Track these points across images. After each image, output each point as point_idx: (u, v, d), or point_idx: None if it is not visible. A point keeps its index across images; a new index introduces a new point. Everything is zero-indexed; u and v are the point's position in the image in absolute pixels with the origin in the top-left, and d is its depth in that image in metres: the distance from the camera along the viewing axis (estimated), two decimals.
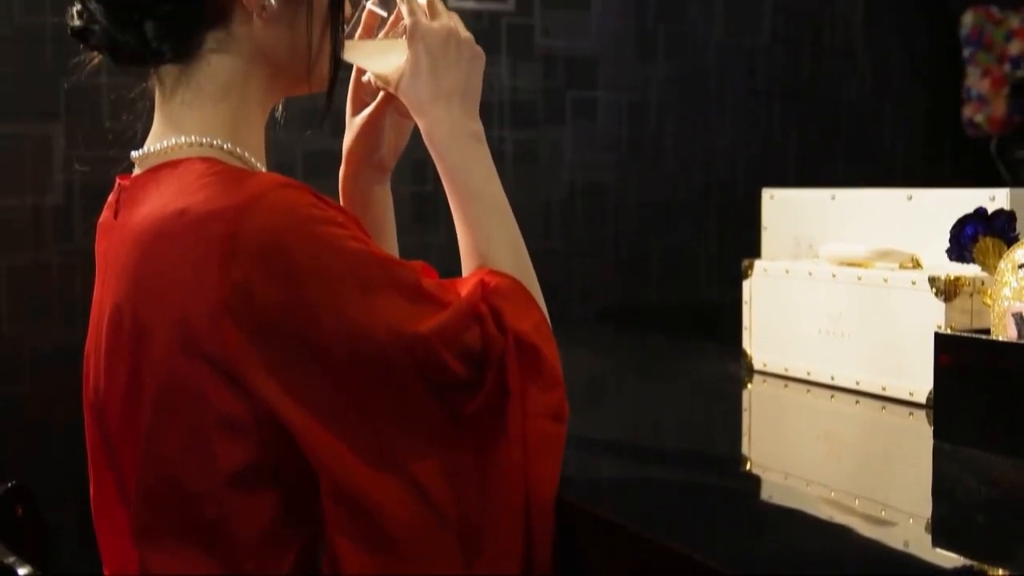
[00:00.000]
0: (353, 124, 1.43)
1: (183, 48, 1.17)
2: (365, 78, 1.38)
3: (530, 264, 1.29)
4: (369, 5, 1.32)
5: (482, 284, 1.18)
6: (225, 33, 1.18)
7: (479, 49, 1.30)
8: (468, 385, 1.13)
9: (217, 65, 1.19)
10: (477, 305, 1.15)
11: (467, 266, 1.27)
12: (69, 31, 1.19)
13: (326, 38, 1.24)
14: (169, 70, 1.19)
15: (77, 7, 1.18)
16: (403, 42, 1.29)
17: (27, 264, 2.57)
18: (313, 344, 1.07)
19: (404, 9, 1.29)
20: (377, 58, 1.33)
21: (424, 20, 1.28)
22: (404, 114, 1.36)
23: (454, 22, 1.30)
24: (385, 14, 1.33)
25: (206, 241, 1.06)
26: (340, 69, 1.27)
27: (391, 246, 1.49)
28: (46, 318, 2.57)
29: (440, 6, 1.31)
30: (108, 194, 1.26)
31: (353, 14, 1.30)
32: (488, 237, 1.26)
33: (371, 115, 1.41)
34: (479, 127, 1.30)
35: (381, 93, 1.39)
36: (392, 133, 1.43)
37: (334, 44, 1.24)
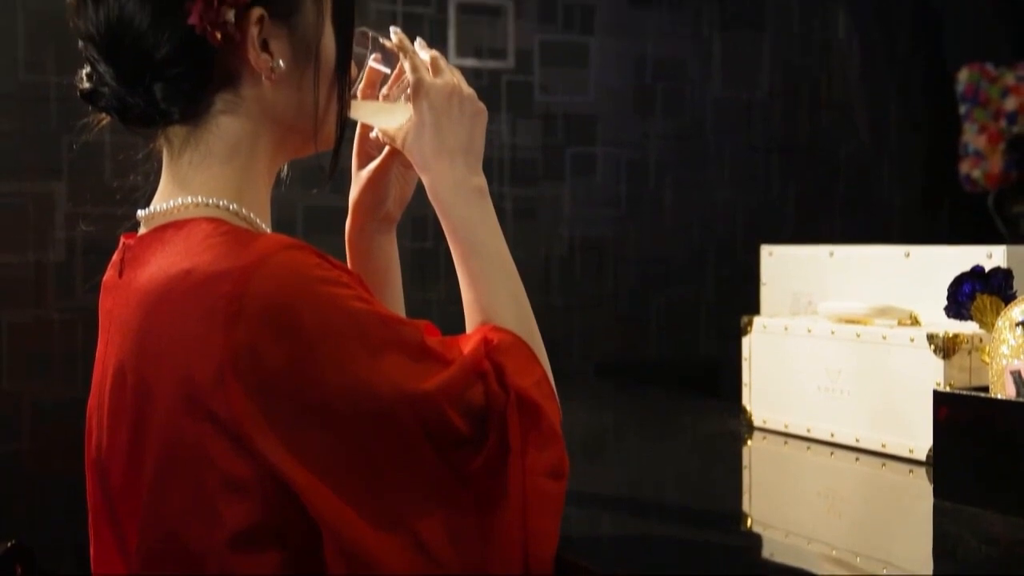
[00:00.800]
0: (359, 178, 1.44)
1: (192, 109, 1.19)
2: (373, 134, 1.40)
3: (533, 318, 1.29)
4: (371, 62, 1.33)
5: (485, 341, 1.19)
6: (234, 95, 1.19)
7: (482, 105, 1.32)
8: (472, 442, 1.14)
9: (226, 126, 1.20)
10: (480, 362, 1.16)
11: (470, 320, 1.28)
12: (78, 93, 1.20)
13: (333, 98, 1.25)
14: (177, 131, 1.20)
15: (86, 69, 1.19)
16: (407, 100, 1.30)
17: (28, 320, 2.57)
18: (317, 404, 1.07)
19: (407, 66, 1.30)
20: (382, 116, 1.35)
21: (427, 77, 1.30)
22: (409, 166, 1.37)
23: (457, 78, 1.31)
24: (388, 71, 1.34)
25: (212, 301, 1.07)
26: (346, 129, 1.28)
27: (397, 296, 1.50)
28: (47, 374, 2.58)
29: (443, 63, 1.32)
30: (109, 251, 1.27)
31: (358, 73, 1.32)
32: (491, 292, 1.27)
33: (377, 168, 1.42)
34: (483, 182, 1.31)
35: (387, 147, 1.40)
36: (398, 185, 1.45)
37: (341, 104, 1.26)
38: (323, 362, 1.07)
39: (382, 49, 1.34)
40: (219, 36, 1.14)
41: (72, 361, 2.58)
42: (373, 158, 1.43)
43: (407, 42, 1.32)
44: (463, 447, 1.13)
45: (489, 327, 1.24)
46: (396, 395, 1.09)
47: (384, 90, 1.35)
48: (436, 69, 1.31)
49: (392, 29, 1.33)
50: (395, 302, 1.49)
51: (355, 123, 1.41)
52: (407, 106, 1.30)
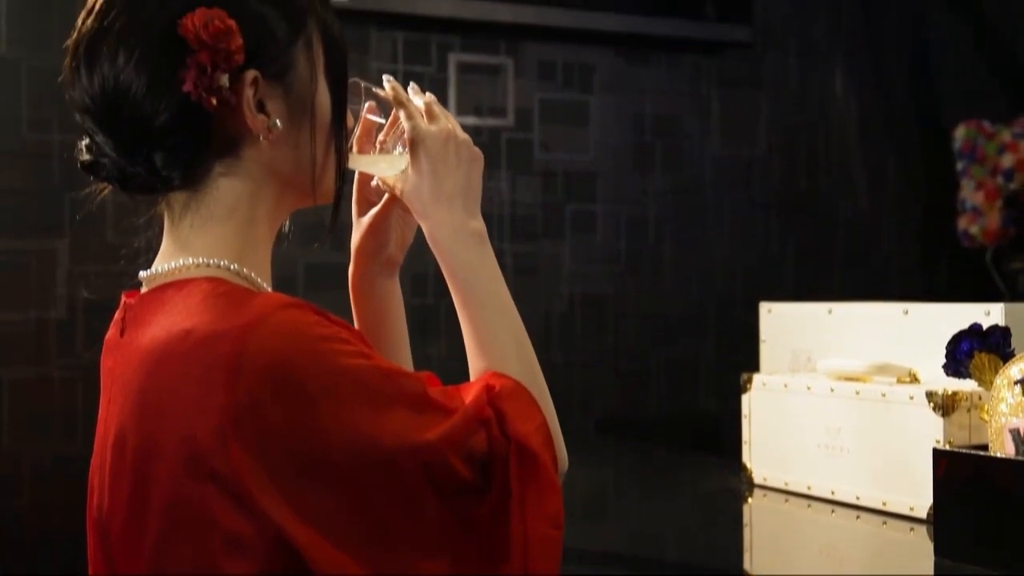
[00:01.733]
0: (360, 224, 1.44)
1: (192, 175, 1.19)
2: (373, 183, 1.40)
3: (535, 362, 1.30)
4: (365, 113, 1.34)
5: (487, 388, 1.20)
6: (233, 157, 1.20)
7: (477, 150, 1.33)
8: (475, 489, 1.14)
9: (226, 189, 1.20)
10: (483, 409, 1.16)
11: (473, 365, 1.28)
12: (79, 165, 1.21)
13: (330, 152, 1.26)
14: (178, 196, 1.21)
15: (85, 141, 1.20)
16: (404, 148, 1.31)
17: (29, 377, 2.58)
18: (320, 460, 1.07)
19: (402, 114, 1.31)
20: (380, 165, 1.36)
21: (423, 124, 1.30)
22: (409, 211, 1.38)
23: (452, 124, 1.32)
24: (383, 120, 1.35)
25: (212, 360, 1.07)
26: (346, 181, 1.29)
27: (403, 339, 1.49)
28: (46, 431, 2.58)
29: (437, 108, 1.33)
30: (111, 309, 1.27)
31: (354, 124, 1.33)
32: (493, 336, 1.28)
33: (378, 214, 1.43)
34: (482, 226, 1.32)
35: (386, 193, 1.41)
36: (399, 229, 1.45)
37: (339, 157, 1.26)
38: (325, 419, 1.07)
39: (376, 98, 1.35)
40: (215, 102, 1.14)
41: (72, 419, 2.58)
42: (373, 204, 1.44)
43: (400, 90, 1.33)
44: (466, 494, 1.14)
45: (491, 373, 1.24)
46: (399, 447, 1.09)
47: (380, 136, 1.36)
48: (431, 115, 1.32)
49: (385, 77, 1.34)
50: (401, 345, 1.49)
51: (354, 174, 1.42)
52: (404, 154, 1.31)
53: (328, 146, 1.25)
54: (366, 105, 1.34)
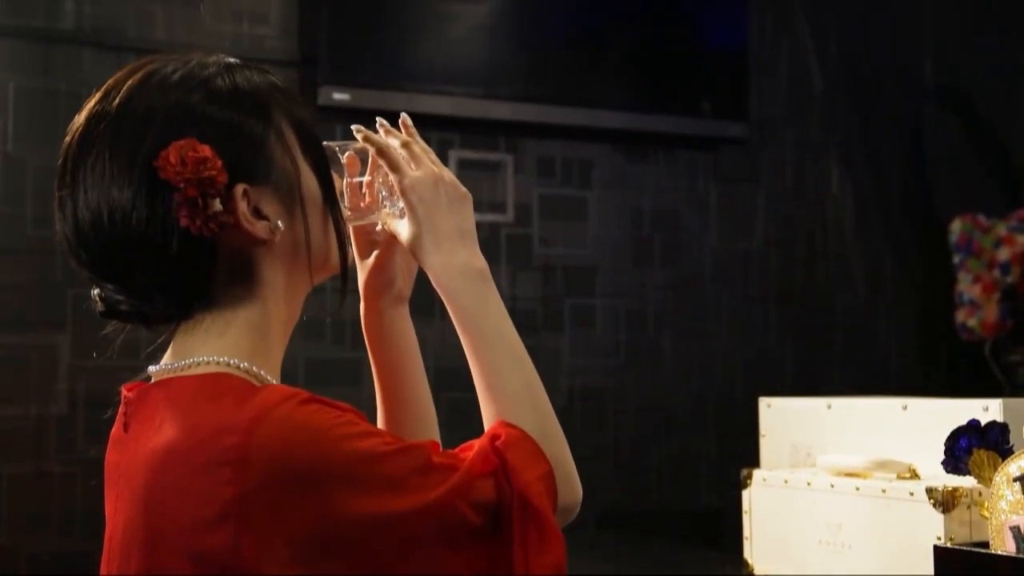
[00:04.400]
0: (365, 265, 1.46)
1: (209, 297, 1.21)
2: (378, 227, 1.41)
3: (546, 402, 1.30)
4: (348, 178, 1.35)
5: (493, 438, 1.21)
6: (243, 265, 1.21)
7: (464, 189, 1.34)
8: (486, 535, 1.15)
9: (239, 294, 1.22)
10: (489, 458, 1.17)
11: (485, 410, 1.28)
12: (99, 314, 1.22)
13: (328, 224, 1.28)
14: (194, 312, 1.23)
15: (97, 291, 1.22)
16: (394, 195, 1.32)
17: (29, 472, 2.57)
18: (336, 539, 1.08)
19: (385, 164, 1.32)
20: (375, 217, 1.37)
21: (409, 172, 1.32)
22: None
23: (437, 166, 1.34)
24: (364, 179, 1.36)
25: (218, 454, 1.08)
26: (349, 246, 1.30)
27: (420, 371, 1.49)
28: (45, 527, 2.56)
29: (417, 148, 1.34)
30: (111, 404, 1.28)
31: (341, 181, 1.34)
32: (504, 381, 1.28)
33: (381, 253, 1.44)
34: (484, 265, 1.33)
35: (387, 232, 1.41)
36: (403, 262, 1.46)
37: (337, 226, 1.28)
38: (336, 500, 1.08)
39: (354, 151, 1.36)
40: (214, 228, 1.16)
41: (71, 515, 2.57)
42: (374, 243, 1.45)
43: (375, 138, 1.34)
44: (479, 541, 1.15)
45: (499, 423, 1.25)
46: (410, 512, 1.11)
47: (365, 178, 1.37)
48: (414, 158, 1.33)
49: (354, 128, 1.34)
50: (419, 377, 1.49)
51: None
52: (396, 200, 1.33)
53: (325, 222, 1.27)
54: (345, 157, 1.36)
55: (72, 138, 1.19)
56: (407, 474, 1.13)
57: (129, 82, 1.20)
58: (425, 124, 3.08)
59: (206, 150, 1.15)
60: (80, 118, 1.20)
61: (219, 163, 1.15)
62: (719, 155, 3.48)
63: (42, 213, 2.62)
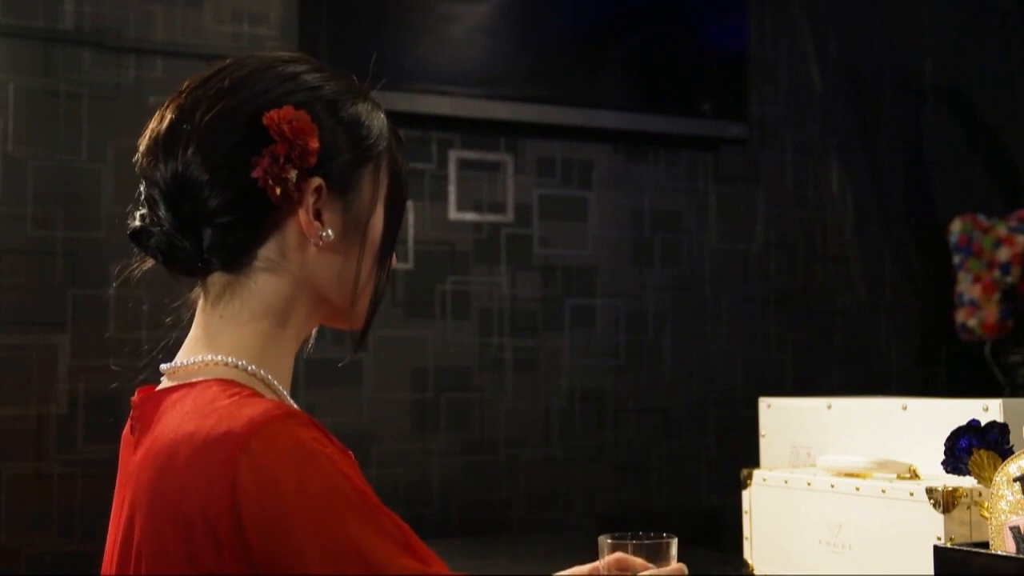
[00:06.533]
0: None
1: (236, 260, 1.21)
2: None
3: None
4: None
5: None
6: (279, 254, 1.22)
7: None
8: None
9: (264, 283, 1.22)
10: None
11: None
12: (128, 232, 1.23)
13: (372, 277, 1.28)
14: (217, 279, 1.23)
15: (141, 211, 1.22)
16: None
17: (28, 473, 2.57)
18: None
19: None
20: None
21: None
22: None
23: None
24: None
25: (211, 467, 1.08)
26: (378, 309, 1.31)
27: None
28: (45, 527, 2.56)
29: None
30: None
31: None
32: None
33: None
34: None
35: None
36: None
37: (377, 284, 1.28)
38: (306, 539, 1.08)
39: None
40: (278, 192, 1.17)
41: (70, 514, 2.57)
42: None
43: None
44: None
45: None
46: (380, 561, 1.10)
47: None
48: None
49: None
50: None
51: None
52: None
53: (371, 271, 1.27)
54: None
55: (183, 96, 1.21)
56: (380, 530, 1.11)
57: (252, 62, 1.23)
58: (425, 124, 3.11)
59: (314, 127, 1.19)
60: (188, 83, 1.22)
61: (316, 145, 1.18)
62: (719, 156, 3.48)
63: (42, 213, 2.62)
